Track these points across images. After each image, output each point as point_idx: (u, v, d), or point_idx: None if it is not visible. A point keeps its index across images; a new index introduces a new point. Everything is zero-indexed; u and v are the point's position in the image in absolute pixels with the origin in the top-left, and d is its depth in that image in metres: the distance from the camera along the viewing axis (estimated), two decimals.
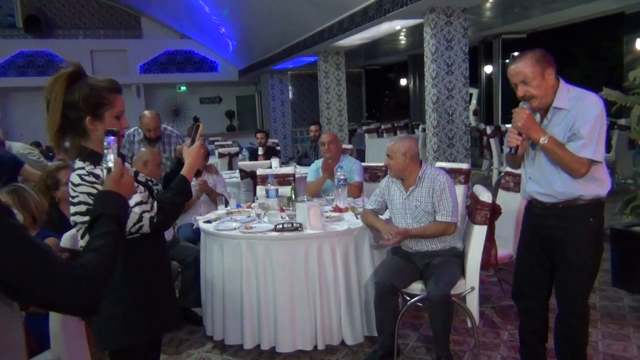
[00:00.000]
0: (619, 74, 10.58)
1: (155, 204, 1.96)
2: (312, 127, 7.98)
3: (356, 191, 4.42)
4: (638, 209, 4.33)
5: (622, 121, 7.63)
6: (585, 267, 2.54)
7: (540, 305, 2.76)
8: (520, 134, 2.48)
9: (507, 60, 12.19)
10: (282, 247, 3.25)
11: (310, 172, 4.87)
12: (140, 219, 1.91)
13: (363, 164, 4.89)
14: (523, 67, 2.46)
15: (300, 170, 6.13)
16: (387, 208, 3.47)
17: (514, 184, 3.77)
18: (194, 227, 4.02)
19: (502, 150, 8.36)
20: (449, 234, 3.24)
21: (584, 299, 2.59)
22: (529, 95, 2.47)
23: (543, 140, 2.43)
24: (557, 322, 2.66)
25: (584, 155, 2.40)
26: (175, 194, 2.04)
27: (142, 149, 3.86)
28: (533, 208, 2.66)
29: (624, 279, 4.24)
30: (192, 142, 2.15)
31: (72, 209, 1.91)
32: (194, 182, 4.30)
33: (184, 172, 2.10)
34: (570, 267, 2.54)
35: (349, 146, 8.28)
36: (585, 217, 2.52)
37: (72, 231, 2.35)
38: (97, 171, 1.89)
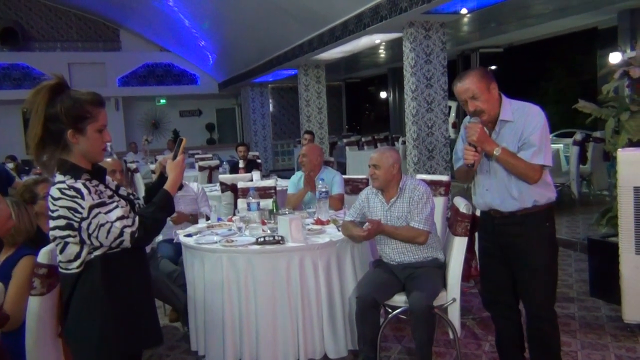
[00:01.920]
0: (593, 87, 10.82)
1: (136, 218, 1.94)
2: (306, 136, 7.99)
3: (337, 203, 4.43)
4: (614, 220, 4.40)
5: (597, 133, 7.78)
6: (546, 269, 2.66)
7: (511, 309, 2.85)
8: (475, 149, 2.57)
9: None
10: (263, 261, 3.24)
11: (291, 184, 4.87)
12: (121, 233, 1.89)
13: (344, 176, 4.90)
14: (470, 84, 2.57)
15: (281, 183, 6.13)
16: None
17: None
18: (175, 241, 3.99)
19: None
20: (418, 242, 3.26)
21: (550, 301, 2.70)
22: (479, 110, 2.59)
23: (497, 151, 2.55)
24: (527, 328, 2.75)
25: (537, 162, 2.54)
26: (157, 209, 2.02)
27: (107, 159, 3.87)
28: (491, 218, 2.76)
29: (602, 289, 4.30)
30: (175, 156, 2.14)
31: (51, 224, 1.89)
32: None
33: (167, 186, 2.08)
34: (532, 271, 2.65)
35: (331, 159, 8.30)
36: (542, 222, 2.66)
37: (51, 246, 2.31)
38: (78, 185, 1.87)
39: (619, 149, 3.73)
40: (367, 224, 3.27)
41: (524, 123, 2.56)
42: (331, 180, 4.53)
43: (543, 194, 2.64)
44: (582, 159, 7.77)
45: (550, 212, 2.69)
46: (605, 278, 4.26)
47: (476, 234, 3.38)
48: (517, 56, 13.75)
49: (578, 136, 7.75)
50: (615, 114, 4.20)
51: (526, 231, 2.64)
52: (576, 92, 15.04)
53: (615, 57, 8.70)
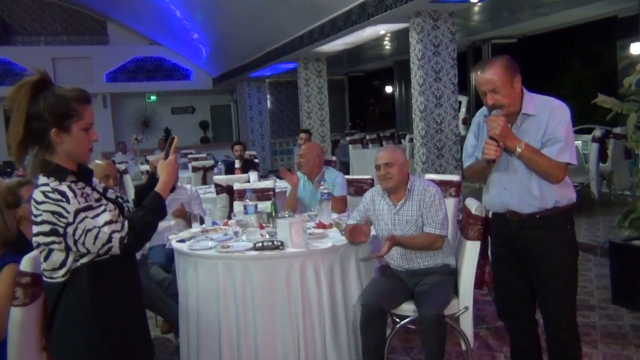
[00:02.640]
0: (612, 80, 10.80)
1: (126, 223, 1.93)
2: (302, 135, 7.97)
3: (341, 206, 4.42)
4: (637, 222, 4.40)
5: (618, 130, 7.75)
6: (567, 276, 2.64)
7: (528, 320, 2.83)
8: (497, 143, 2.53)
9: None
10: (261, 267, 3.22)
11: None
12: (109, 239, 1.88)
13: (347, 176, 4.89)
14: (493, 75, 2.54)
15: (280, 184, 6.12)
16: (371, 223, 3.48)
17: None
18: (167, 247, 3.98)
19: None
20: (436, 248, 3.26)
21: (571, 310, 2.68)
22: (499, 104, 2.56)
23: (520, 147, 2.52)
24: (546, 340, 2.73)
25: (563, 160, 2.53)
26: (148, 212, 2.01)
27: (97, 161, 3.86)
28: (506, 222, 2.72)
29: (625, 296, 4.29)
30: (167, 155, 2.14)
31: (35, 229, 1.88)
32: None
33: (158, 188, 2.07)
34: (553, 277, 2.63)
35: (333, 158, 8.29)
36: (563, 224, 2.64)
37: (34, 253, 2.30)
38: (63, 188, 1.86)
39: None
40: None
41: (548, 118, 2.55)
42: (332, 182, 4.52)
43: (564, 194, 2.62)
44: (602, 156, 7.74)
45: (570, 214, 2.67)
46: (628, 284, 4.25)
47: (489, 238, 3.38)
48: (531, 47, 13.74)
49: (597, 132, 7.72)
50: (637, 108, 4.20)
51: (545, 235, 2.62)
52: (595, 85, 15.03)
53: (636, 48, 8.69)
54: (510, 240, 2.72)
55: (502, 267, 2.82)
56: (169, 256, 4.08)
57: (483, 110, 2.77)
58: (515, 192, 2.64)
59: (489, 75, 2.54)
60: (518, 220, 2.67)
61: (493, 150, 2.53)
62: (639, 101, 4.23)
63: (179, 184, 4.98)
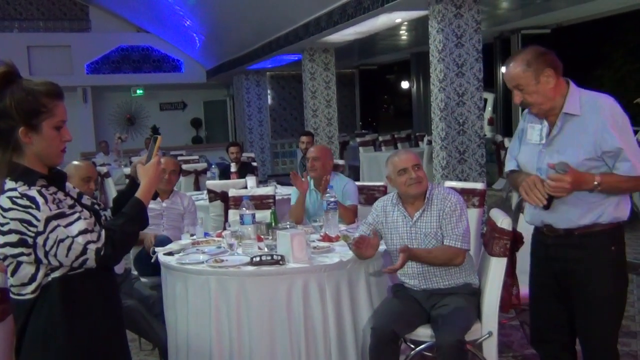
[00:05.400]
0: None
1: (102, 232, 1.93)
2: (303, 139, 7.97)
3: (350, 216, 4.41)
4: None
5: None
6: (609, 304, 2.60)
7: (565, 350, 2.81)
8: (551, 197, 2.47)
9: None
10: (259, 285, 3.22)
11: (294, 194, 4.86)
12: (84, 250, 1.88)
13: (358, 183, 4.88)
14: (513, 72, 2.54)
15: (281, 191, 6.12)
16: (382, 238, 3.46)
17: None
18: (152, 260, 3.98)
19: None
20: (456, 263, 3.24)
21: (612, 340, 2.65)
22: (525, 103, 2.56)
23: (597, 184, 2.46)
24: None
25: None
26: (127, 221, 2.01)
27: (76, 162, 3.85)
28: (544, 237, 2.71)
29: None
30: (149, 157, 2.14)
31: (1, 239, 1.88)
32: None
33: (139, 194, 2.08)
34: (592, 304, 2.60)
35: (341, 162, 8.29)
36: (606, 245, 2.60)
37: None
38: (33, 193, 1.86)
39: None
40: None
41: (596, 120, 2.49)
42: (342, 189, 4.52)
43: (611, 211, 2.56)
44: None
45: (617, 234, 2.62)
46: None
47: (517, 254, 3.36)
48: (566, 39, 13.73)
49: (638, 136, 7.69)
50: None
51: (586, 256, 2.58)
52: (638, 81, 15.00)
53: None
54: (546, 259, 2.71)
55: (539, 290, 2.80)
56: (156, 269, 4.07)
57: (526, 111, 2.77)
58: (554, 202, 2.58)
59: (510, 71, 2.55)
60: (554, 236, 2.65)
61: (539, 199, 2.48)
62: None
63: (175, 189, 4.99)
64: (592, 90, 2.64)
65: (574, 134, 2.54)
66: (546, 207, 2.52)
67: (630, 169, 2.47)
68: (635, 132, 8.29)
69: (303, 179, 4.68)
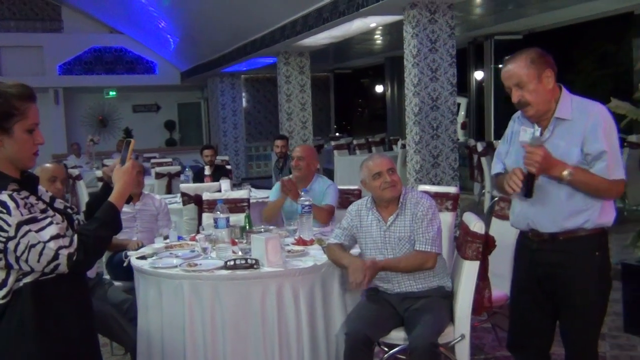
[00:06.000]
0: (627, 81, 10.98)
1: (75, 237, 1.92)
2: (278, 142, 7.94)
3: (325, 216, 4.38)
4: None
5: (633, 138, 7.86)
6: (593, 309, 2.63)
7: (542, 356, 2.83)
8: (531, 177, 2.51)
9: (500, 65, 12.49)
10: (233, 289, 3.21)
11: (272, 194, 4.86)
12: (56, 256, 1.87)
13: None
14: (516, 69, 2.55)
15: (256, 194, 6.11)
16: (356, 242, 3.47)
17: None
18: (124, 264, 3.95)
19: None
20: (427, 267, 3.26)
21: (594, 345, 2.68)
22: (523, 102, 2.57)
23: (568, 175, 2.48)
24: None
25: (617, 177, 2.52)
26: (101, 226, 2.00)
27: (46, 165, 3.82)
28: (529, 242, 2.73)
29: (638, 323, 4.33)
30: (123, 161, 2.12)
31: None
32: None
33: (112, 198, 2.07)
34: (576, 309, 2.63)
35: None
36: (590, 250, 2.62)
37: None
38: (4, 197, 1.84)
39: None
40: (357, 268, 3.19)
41: (586, 125, 2.53)
42: (324, 191, 4.52)
43: (597, 215, 2.58)
44: None
45: (602, 239, 2.64)
46: None
47: (489, 258, 3.40)
48: (538, 44, 13.85)
49: None
50: None
51: (570, 261, 2.60)
52: (608, 87, 15.26)
53: None
54: (530, 263, 2.73)
55: (520, 293, 2.82)
56: (129, 274, 4.04)
57: (518, 115, 2.78)
58: (539, 205, 2.61)
59: (512, 69, 2.56)
60: (539, 241, 2.67)
61: (516, 184, 2.51)
62: None
63: (146, 192, 4.96)
64: (585, 97, 2.67)
65: (565, 138, 2.57)
66: (527, 195, 2.55)
67: (604, 169, 2.50)
68: (623, 140, 8.46)
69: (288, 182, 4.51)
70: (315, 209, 4.18)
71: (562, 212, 2.59)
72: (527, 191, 2.54)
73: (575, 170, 2.49)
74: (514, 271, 2.91)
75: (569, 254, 2.61)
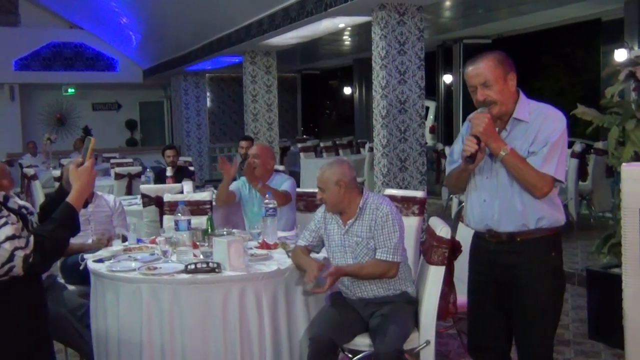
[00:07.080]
0: (595, 87, 11.23)
1: (31, 238, 1.90)
2: (243, 143, 7.90)
3: (281, 198, 4.50)
4: (617, 247, 4.52)
5: (600, 144, 7.97)
6: (549, 309, 2.73)
7: (501, 358, 2.89)
8: (479, 143, 2.61)
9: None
10: (194, 293, 3.20)
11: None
12: (11, 257, 1.84)
13: (298, 189, 4.93)
14: (484, 68, 2.65)
15: None
16: (324, 245, 3.50)
17: None
18: (81, 267, 3.90)
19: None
20: (390, 276, 3.29)
21: (549, 347, 2.77)
22: (489, 100, 2.65)
23: (504, 151, 2.61)
24: None
25: (547, 171, 2.61)
26: (58, 227, 1.98)
27: None
28: (486, 243, 2.80)
29: (602, 330, 4.41)
30: (82, 161, 2.11)
31: None
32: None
33: (70, 199, 2.05)
34: (533, 310, 2.71)
35: (281, 167, 8.28)
36: (547, 251, 2.73)
37: None
38: None
39: (624, 164, 3.85)
40: (313, 270, 3.23)
41: (540, 126, 2.65)
42: (280, 186, 4.69)
43: (551, 213, 2.70)
44: (582, 174, 7.94)
45: (557, 240, 2.76)
46: (606, 317, 4.36)
47: (455, 263, 3.44)
48: (507, 49, 14.08)
49: (577, 147, 7.88)
50: (619, 122, 4.33)
51: (528, 262, 2.69)
52: (576, 93, 15.59)
53: (620, 55, 9.06)
54: (488, 265, 2.80)
55: (478, 297, 2.88)
56: (85, 277, 3.99)
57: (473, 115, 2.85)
58: (497, 205, 2.71)
59: (479, 69, 2.64)
60: (496, 242, 2.74)
61: (472, 147, 2.60)
62: (621, 114, 4.38)
63: (98, 192, 4.91)
64: (542, 102, 2.78)
65: (520, 139, 2.68)
66: (471, 159, 2.63)
67: (537, 160, 2.61)
68: (571, 144, 8.63)
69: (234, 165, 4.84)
70: (274, 194, 4.27)
71: (517, 210, 2.67)
72: (472, 155, 2.64)
73: (512, 152, 2.61)
74: (470, 273, 2.98)
75: (527, 255, 2.70)
